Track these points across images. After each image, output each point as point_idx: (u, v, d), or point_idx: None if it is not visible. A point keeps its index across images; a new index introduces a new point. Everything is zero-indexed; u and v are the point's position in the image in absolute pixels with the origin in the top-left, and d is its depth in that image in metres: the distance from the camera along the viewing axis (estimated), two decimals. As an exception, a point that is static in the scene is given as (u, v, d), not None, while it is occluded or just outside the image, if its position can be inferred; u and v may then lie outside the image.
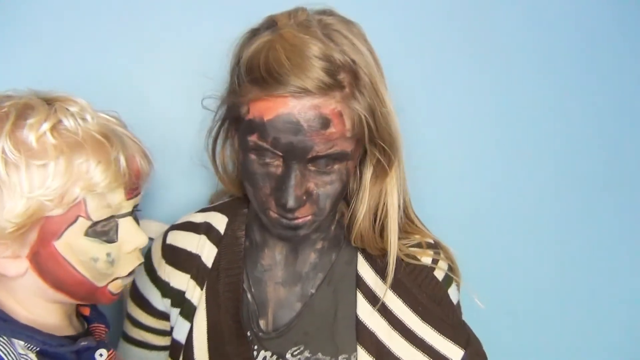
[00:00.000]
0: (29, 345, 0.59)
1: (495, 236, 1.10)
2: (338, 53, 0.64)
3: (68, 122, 0.59)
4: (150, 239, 0.89)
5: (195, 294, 0.78)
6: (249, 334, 0.76)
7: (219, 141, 0.80)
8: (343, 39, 0.66)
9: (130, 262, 0.65)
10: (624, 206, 1.17)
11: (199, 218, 0.83)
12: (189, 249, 0.80)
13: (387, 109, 0.69)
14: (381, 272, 0.76)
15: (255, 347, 0.76)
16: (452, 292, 0.79)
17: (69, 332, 0.66)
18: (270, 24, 0.69)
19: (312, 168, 0.67)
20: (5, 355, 0.55)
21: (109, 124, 0.64)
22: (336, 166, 0.68)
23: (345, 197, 0.79)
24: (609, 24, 1.10)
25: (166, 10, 0.90)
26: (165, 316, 0.81)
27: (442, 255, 0.79)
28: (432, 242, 0.81)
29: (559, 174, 1.12)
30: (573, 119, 1.10)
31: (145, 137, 0.89)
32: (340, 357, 0.75)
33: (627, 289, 1.19)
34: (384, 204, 0.75)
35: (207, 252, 0.79)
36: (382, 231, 0.76)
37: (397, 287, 0.76)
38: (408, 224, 0.80)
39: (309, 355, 0.75)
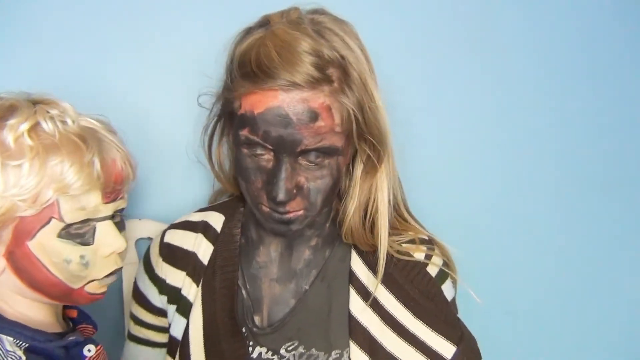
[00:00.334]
0: (17, 341, 0.60)
1: (494, 236, 1.10)
2: (328, 49, 0.65)
3: (46, 125, 0.60)
4: (150, 239, 0.90)
5: (191, 291, 0.78)
6: (244, 330, 0.77)
7: (215, 138, 0.81)
8: (334, 36, 0.67)
9: (106, 265, 0.65)
10: (624, 206, 1.16)
11: (196, 217, 0.84)
12: (185, 247, 0.81)
13: (376, 105, 0.69)
14: (373, 268, 0.76)
15: (251, 343, 0.76)
16: (447, 289, 0.79)
17: (57, 329, 0.67)
18: (264, 22, 0.70)
19: (303, 162, 0.68)
20: None
21: (92, 128, 0.64)
22: (326, 161, 0.68)
23: (339, 194, 0.79)
24: (609, 24, 1.09)
25: (164, 10, 0.91)
26: (163, 313, 0.82)
27: (436, 251, 0.79)
28: (426, 238, 0.81)
29: (559, 173, 1.11)
30: (573, 118, 1.10)
31: (144, 137, 0.91)
32: (333, 353, 0.75)
33: (627, 289, 1.17)
34: (374, 199, 0.75)
35: (203, 249, 0.80)
36: (373, 227, 0.76)
37: (389, 283, 0.76)
38: (400, 221, 0.81)
39: (303, 351, 0.76)
